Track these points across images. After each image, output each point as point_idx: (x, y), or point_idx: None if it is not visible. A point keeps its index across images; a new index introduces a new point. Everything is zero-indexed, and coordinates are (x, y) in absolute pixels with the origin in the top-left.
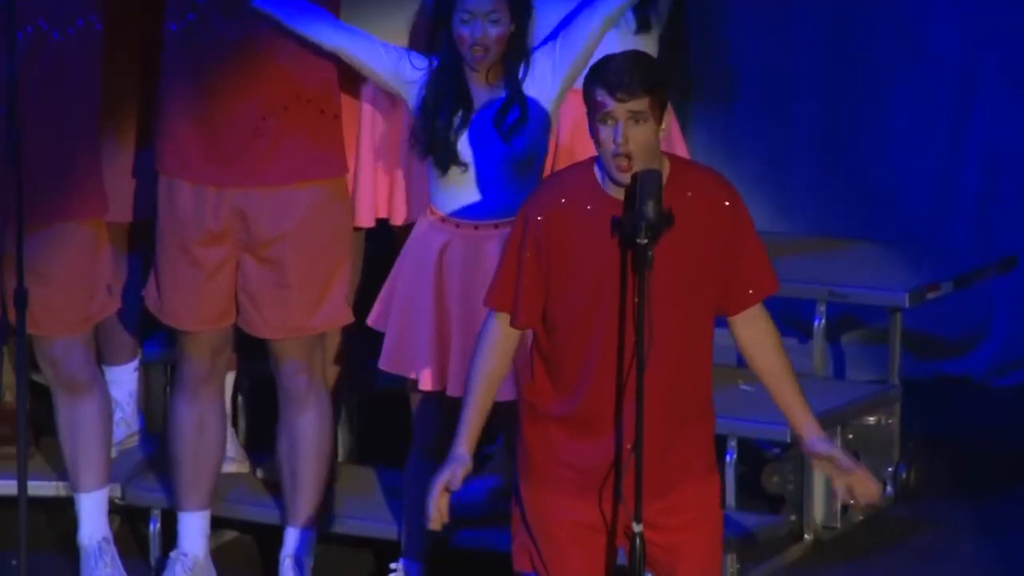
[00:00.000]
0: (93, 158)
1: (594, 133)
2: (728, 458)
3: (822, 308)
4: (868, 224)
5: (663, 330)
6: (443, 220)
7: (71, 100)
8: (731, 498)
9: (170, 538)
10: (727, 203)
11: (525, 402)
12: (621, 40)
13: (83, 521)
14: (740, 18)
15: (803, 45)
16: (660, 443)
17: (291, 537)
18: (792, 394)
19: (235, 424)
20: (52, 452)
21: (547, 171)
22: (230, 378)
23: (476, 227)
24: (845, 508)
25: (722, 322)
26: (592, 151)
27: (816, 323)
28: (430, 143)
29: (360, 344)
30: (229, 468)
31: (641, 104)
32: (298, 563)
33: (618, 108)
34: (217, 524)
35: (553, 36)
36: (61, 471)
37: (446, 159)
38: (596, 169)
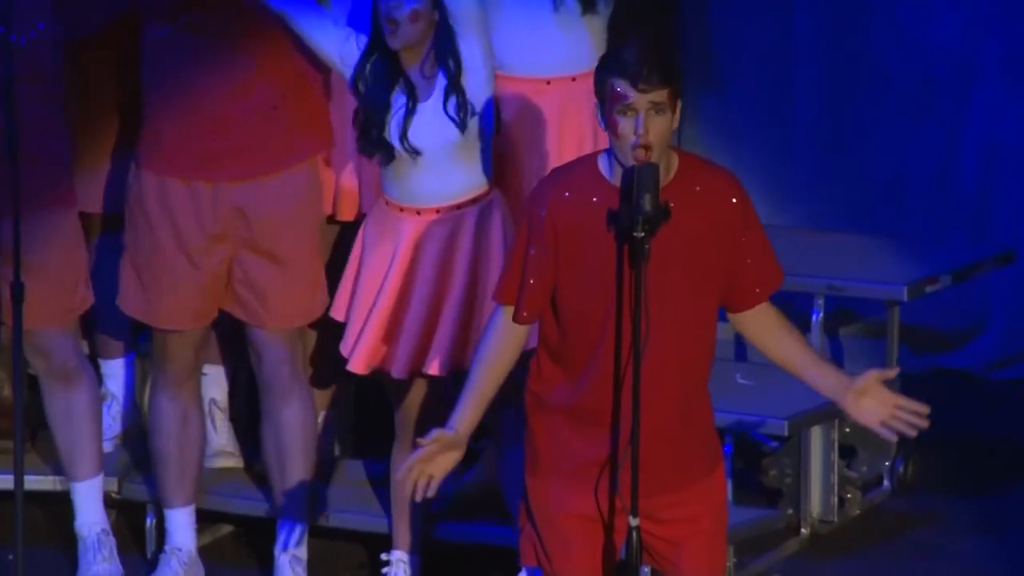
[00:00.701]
0: (66, 152)
1: (610, 124)
2: (725, 452)
3: (820, 301)
4: (866, 217)
5: (664, 323)
6: (401, 210)
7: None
8: (728, 492)
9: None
10: (734, 200)
11: (531, 393)
12: (566, 25)
13: (80, 510)
14: (739, 10)
15: (802, 37)
16: (663, 437)
17: (284, 530)
18: (817, 361)
19: (231, 418)
20: (49, 446)
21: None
22: (222, 372)
23: (438, 211)
24: (842, 502)
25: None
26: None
27: (814, 317)
28: (367, 127)
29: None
30: (226, 462)
31: (661, 95)
32: (293, 556)
33: (640, 99)
34: (212, 518)
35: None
36: (58, 465)
37: (383, 144)
38: (601, 162)
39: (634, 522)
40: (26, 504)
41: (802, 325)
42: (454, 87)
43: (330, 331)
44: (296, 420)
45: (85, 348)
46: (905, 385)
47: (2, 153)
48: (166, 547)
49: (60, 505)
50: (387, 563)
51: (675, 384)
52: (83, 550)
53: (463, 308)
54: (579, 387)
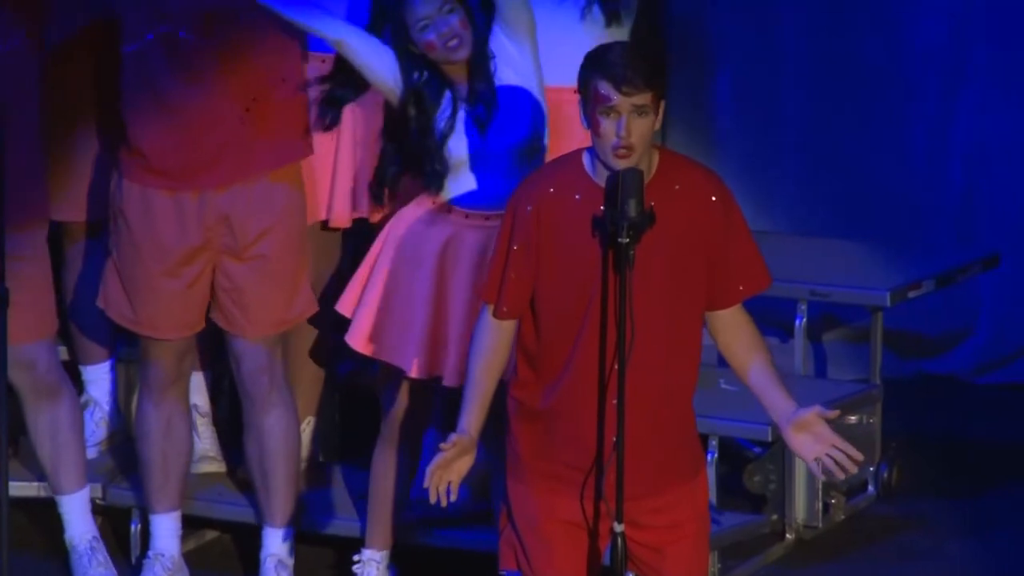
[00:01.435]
0: (39, 165)
1: (592, 124)
2: (710, 457)
3: (803, 307)
4: (851, 222)
5: (647, 327)
6: (449, 210)
7: (12, 111)
8: (713, 497)
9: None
10: (714, 198)
11: (512, 399)
12: (592, 35)
13: (70, 522)
14: (724, 13)
15: (788, 41)
16: (646, 442)
17: (270, 537)
18: (768, 380)
19: (215, 423)
20: (30, 452)
21: None
22: (203, 378)
23: (487, 217)
24: (827, 507)
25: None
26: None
27: (797, 322)
28: (422, 162)
29: (338, 342)
30: (210, 468)
31: (644, 98)
32: (279, 562)
33: (623, 102)
34: (197, 524)
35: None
36: (40, 471)
37: (439, 174)
38: (585, 159)
39: (619, 528)
40: (10, 510)
41: (786, 331)
42: (488, 91)
43: (315, 337)
44: (278, 428)
45: (65, 355)
46: (889, 390)
47: None
48: (150, 552)
49: (45, 511)
50: (358, 562)
51: (657, 387)
52: (76, 559)
53: None
54: (555, 391)
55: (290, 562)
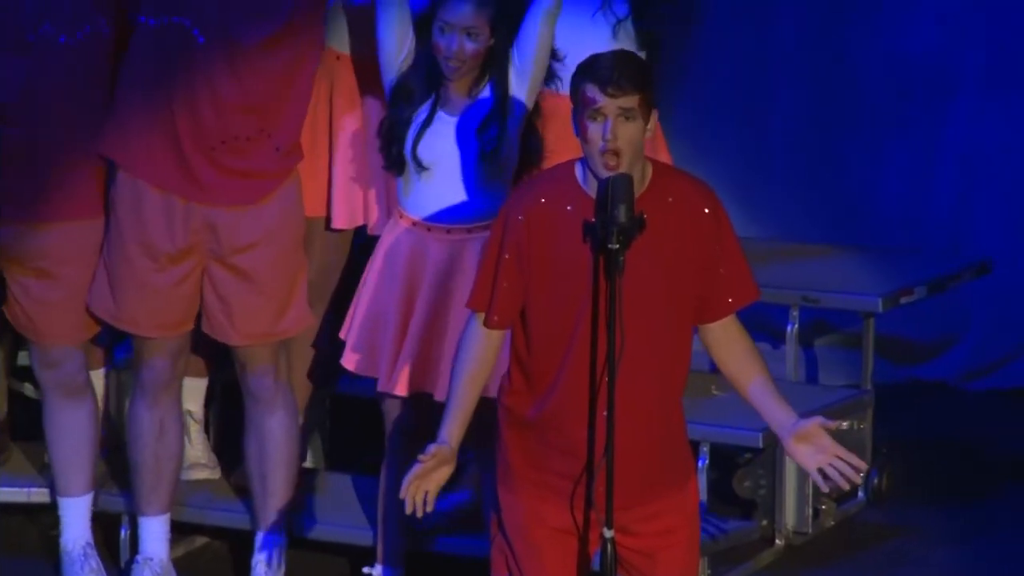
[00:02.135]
0: (98, 159)
1: (581, 129)
2: (700, 463)
3: (795, 313)
4: (842, 228)
5: (638, 335)
6: (414, 224)
7: (82, 103)
8: (703, 503)
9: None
10: (707, 210)
11: (503, 406)
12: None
13: (68, 525)
14: (716, 20)
15: (780, 48)
16: (637, 450)
17: (262, 542)
18: (765, 392)
19: (207, 430)
20: (20, 458)
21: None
22: (202, 384)
23: (449, 231)
24: (817, 513)
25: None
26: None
27: (789, 328)
28: (389, 142)
29: (333, 350)
30: (200, 474)
31: (631, 101)
32: (270, 568)
33: (608, 104)
34: (188, 530)
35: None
36: (30, 477)
37: (401, 160)
38: (577, 169)
39: (608, 534)
40: (1, 515)
41: (777, 336)
42: (498, 113)
43: (305, 344)
44: (280, 430)
45: None
46: (880, 396)
47: (31, 161)
48: (139, 557)
49: (37, 516)
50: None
51: (648, 396)
52: (68, 563)
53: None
54: (548, 399)
55: (281, 568)
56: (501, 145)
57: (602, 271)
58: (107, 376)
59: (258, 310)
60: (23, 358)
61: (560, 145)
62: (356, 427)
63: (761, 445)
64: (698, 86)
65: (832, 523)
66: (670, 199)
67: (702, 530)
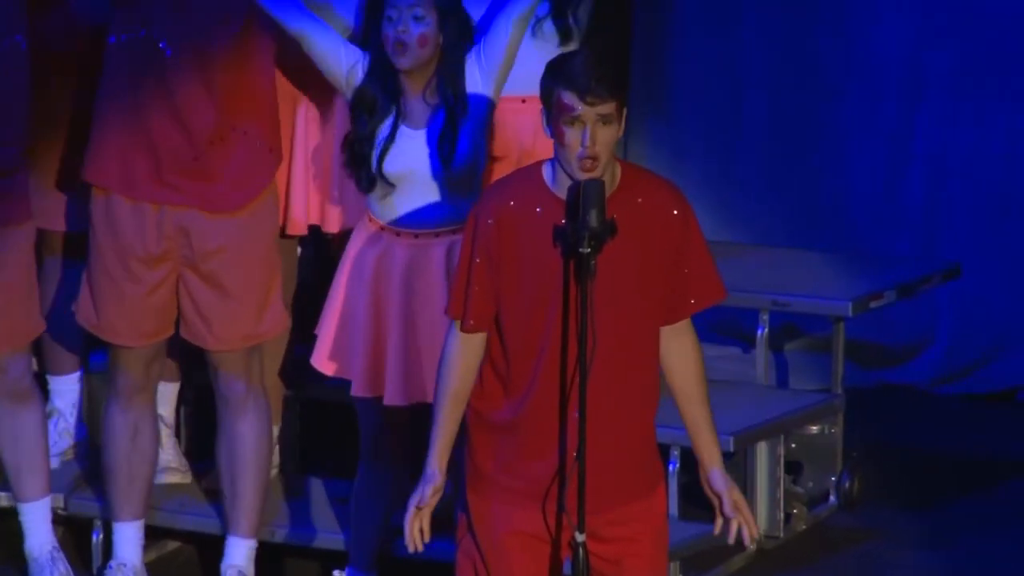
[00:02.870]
0: (23, 167)
1: (556, 134)
2: (671, 467)
3: (765, 317)
4: (811, 232)
5: (608, 337)
6: (382, 229)
7: (7, 114)
8: (674, 507)
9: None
10: (676, 211)
11: (473, 410)
12: (544, 51)
13: (31, 531)
14: (685, 24)
15: (749, 52)
16: (606, 455)
17: (233, 546)
18: (704, 421)
19: (178, 434)
20: None
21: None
22: (174, 388)
23: (416, 236)
24: (788, 517)
25: None
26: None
27: (759, 332)
28: (357, 163)
29: (301, 352)
30: (171, 478)
31: (609, 107)
32: (240, 573)
33: (587, 112)
34: (159, 534)
35: (476, 49)
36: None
37: (370, 179)
38: (545, 172)
39: (580, 538)
40: None
41: (747, 341)
42: (449, 119)
43: (279, 346)
44: (251, 434)
45: (33, 365)
46: (851, 400)
47: None
48: (112, 562)
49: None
50: None
51: (619, 399)
52: (37, 569)
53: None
54: (521, 404)
55: (251, 572)
56: (456, 148)
57: (573, 275)
58: (81, 381)
59: (233, 315)
60: None
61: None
62: (328, 430)
63: (732, 449)
64: (668, 91)
65: (803, 527)
66: (639, 200)
67: (673, 534)
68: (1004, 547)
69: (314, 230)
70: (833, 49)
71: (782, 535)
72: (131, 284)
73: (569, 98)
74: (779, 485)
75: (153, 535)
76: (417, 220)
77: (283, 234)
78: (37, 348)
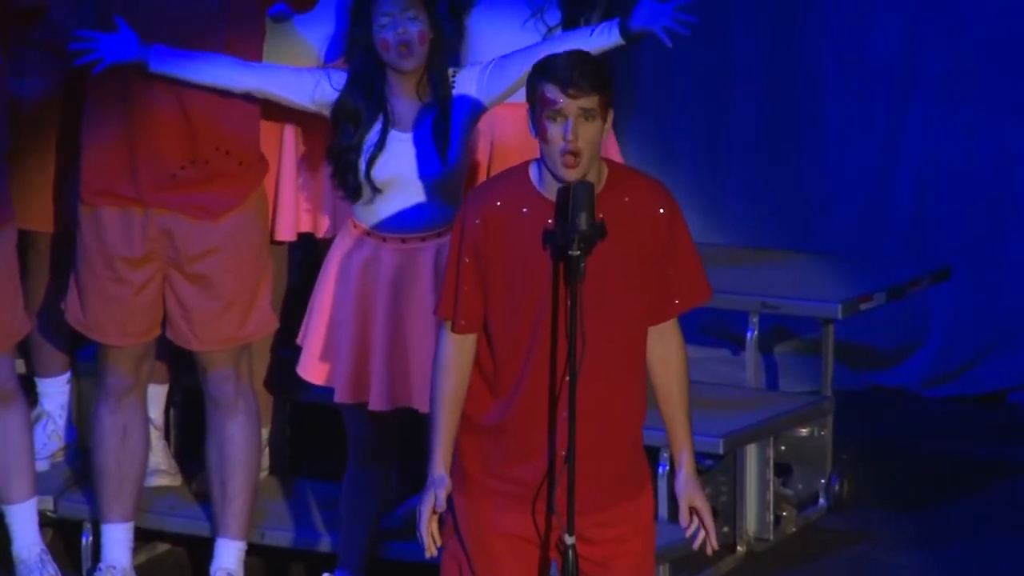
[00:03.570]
0: (4, 169)
1: (539, 130)
2: (661, 470)
3: (755, 319)
4: (801, 234)
5: (595, 339)
6: (367, 233)
7: None
8: (664, 510)
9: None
10: (662, 210)
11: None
12: None
13: (18, 533)
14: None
15: (738, 55)
16: (593, 457)
17: (222, 548)
18: (681, 424)
19: (167, 437)
20: None
21: (481, 177)
22: (163, 391)
23: (403, 240)
24: (778, 519)
25: None
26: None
27: (749, 334)
28: (342, 171)
29: (289, 355)
30: (161, 481)
31: (591, 102)
32: (229, 575)
33: (569, 105)
34: (148, 536)
35: (485, 63)
36: None
37: (357, 187)
38: (532, 172)
39: (570, 540)
40: None
41: (737, 343)
42: (442, 114)
43: (265, 350)
44: (240, 435)
45: (21, 366)
46: (841, 402)
47: None
48: (101, 564)
49: None
50: None
51: (606, 402)
52: (25, 572)
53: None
54: (508, 405)
55: (240, 574)
56: (450, 143)
57: (561, 276)
58: (69, 382)
59: (218, 316)
60: None
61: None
62: (317, 433)
63: (722, 451)
64: (656, 92)
65: (793, 529)
66: (626, 199)
67: (662, 536)
68: (995, 549)
69: (304, 232)
70: (823, 52)
71: (772, 537)
72: (117, 284)
73: (552, 91)
74: (769, 487)
75: (142, 537)
76: (404, 224)
77: (272, 240)
78: (25, 350)
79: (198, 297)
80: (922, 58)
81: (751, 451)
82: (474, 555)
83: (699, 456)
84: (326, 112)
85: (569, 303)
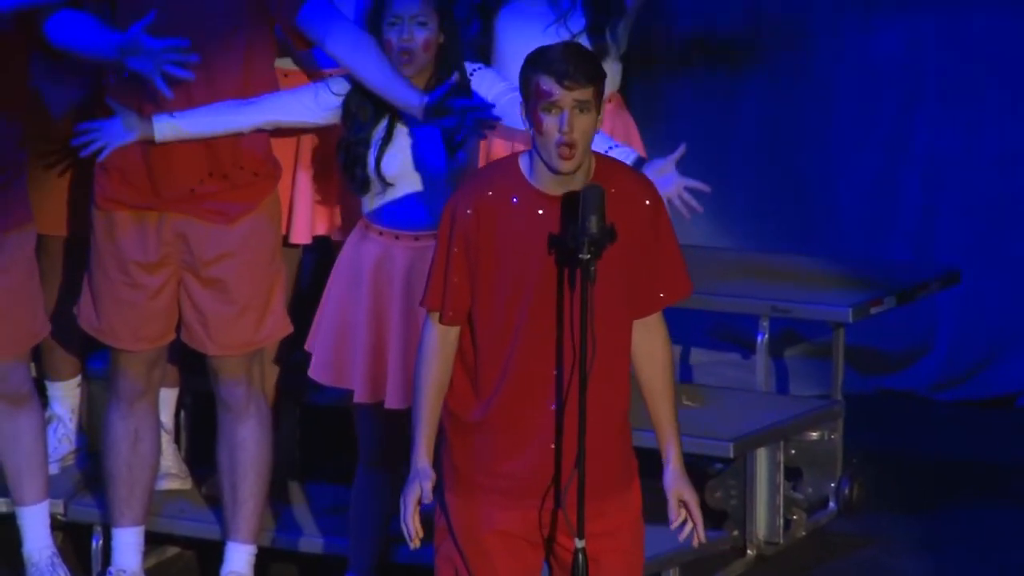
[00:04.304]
0: (20, 171)
1: (534, 121)
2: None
3: (765, 323)
4: (811, 239)
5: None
6: (380, 233)
7: None
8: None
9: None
10: (647, 202)
11: (447, 410)
12: None
13: (29, 535)
14: (679, 28)
15: (743, 58)
16: (589, 451)
17: (232, 552)
18: (667, 418)
19: (177, 440)
20: None
21: None
22: (173, 394)
23: (416, 238)
24: (788, 523)
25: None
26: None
27: (759, 338)
28: (351, 164)
29: (300, 359)
30: (171, 484)
31: (587, 93)
32: None
33: (565, 97)
34: (158, 540)
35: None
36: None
37: (365, 180)
38: (522, 163)
39: (580, 544)
40: None
41: (747, 347)
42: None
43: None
44: (251, 439)
45: (32, 370)
46: (851, 406)
47: None
48: (111, 568)
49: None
50: None
51: (596, 394)
52: (36, 575)
53: None
54: (492, 402)
55: None
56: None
57: (555, 272)
58: (80, 386)
59: (233, 321)
60: None
61: None
62: (327, 436)
63: (732, 455)
64: (664, 95)
65: (803, 533)
66: (612, 190)
67: (671, 540)
68: (1004, 553)
69: (318, 236)
70: (828, 53)
71: (782, 541)
72: (131, 289)
73: (547, 83)
74: (779, 491)
75: (152, 540)
76: (415, 221)
77: (286, 243)
78: (36, 354)
79: (213, 302)
80: (928, 62)
81: (761, 455)
82: (469, 555)
83: (709, 460)
84: (338, 118)
85: (577, 306)
